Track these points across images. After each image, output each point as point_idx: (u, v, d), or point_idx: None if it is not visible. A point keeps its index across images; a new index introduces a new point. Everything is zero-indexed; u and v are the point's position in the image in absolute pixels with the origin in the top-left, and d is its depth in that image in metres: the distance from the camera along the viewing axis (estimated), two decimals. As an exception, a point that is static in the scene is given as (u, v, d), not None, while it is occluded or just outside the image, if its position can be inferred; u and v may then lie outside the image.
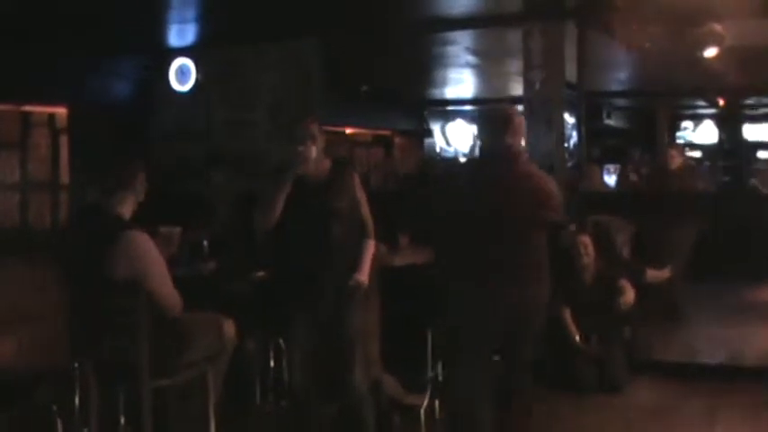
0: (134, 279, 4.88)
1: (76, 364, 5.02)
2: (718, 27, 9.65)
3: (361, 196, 5.56)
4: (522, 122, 5.16)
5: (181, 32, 10.07)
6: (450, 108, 19.98)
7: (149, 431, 4.94)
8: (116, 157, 5.42)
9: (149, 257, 5.01)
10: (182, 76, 10.64)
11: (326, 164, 5.49)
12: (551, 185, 5.16)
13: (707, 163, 22.18)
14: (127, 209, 5.14)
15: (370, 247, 5.56)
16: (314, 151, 5.30)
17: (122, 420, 5.05)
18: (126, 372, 4.91)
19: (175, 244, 6.09)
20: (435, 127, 20.01)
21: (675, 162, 9.08)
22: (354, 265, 5.43)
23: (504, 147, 5.00)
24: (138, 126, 10.46)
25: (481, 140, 5.32)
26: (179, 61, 10.67)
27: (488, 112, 5.56)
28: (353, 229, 5.48)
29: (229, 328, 5.46)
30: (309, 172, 5.34)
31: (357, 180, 5.60)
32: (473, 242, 4.99)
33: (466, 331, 5.14)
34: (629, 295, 7.63)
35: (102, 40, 9.51)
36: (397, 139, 17.70)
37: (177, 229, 6.14)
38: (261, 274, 6.17)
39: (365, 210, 5.57)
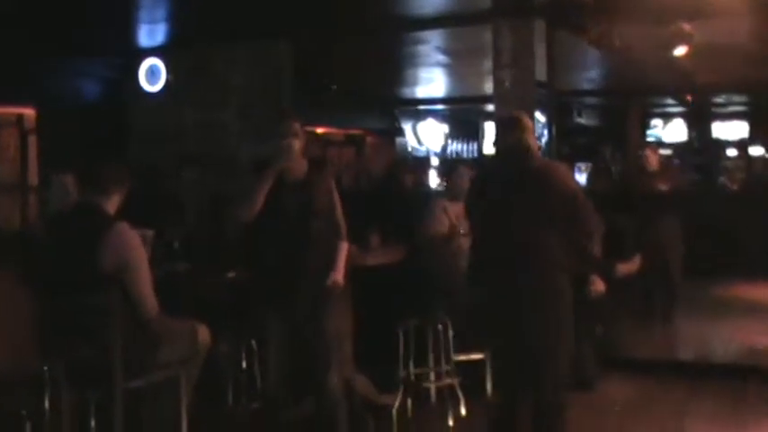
0: (117, 272, 4.89)
1: (46, 368, 4.96)
2: (687, 26, 9.70)
3: (336, 198, 5.59)
4: (529, 122, 5.38)
5: (150, 32, 10.01)
6: (421, 107, 19.98)
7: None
8: (102, 158, 5.40)
9: (136, 253, 5.03)
10: (152, 76, 10.58)
11: (304, 164, 5.49)
12: (565, 174, 5.31)
13: (677, 161, 22.32)
14: (112, 208, 5.15)
15: (344, 249, 5.60)
16: (297, 146, 5.34)
17: (93, 424, 4.99)
18: (98, 374, 4.87)
19: (149, 246, 6.00)
20: (407, 126, 20.00)
21: (652, 161, 9.09)
22: (330, 266, 5.46)
23: (515, 141, 5.25)
24: (108, 127, 10.36)
25: (497, 141, 5.72)
26: (149, 61, 10.61)
27: (501, 116, 6.40)
28: (329, 230, 5.51)
29: (204, 333, 5.43)
30: (292, 168, 5.37)
31: (333, 182, 5.64)
32: (496, 231, 5.16)
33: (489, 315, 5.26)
34: (599, 284, 7.67)
35: (70, 40, 9.43)
36: (368, 139, 17.68)
37: (150, 232, 6.09)
38: (232, 274, 6.14)
39: (339, 212, 5.60)
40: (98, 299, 4.87)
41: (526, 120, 5.37)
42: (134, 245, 5.03)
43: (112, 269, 4.90)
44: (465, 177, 7.27)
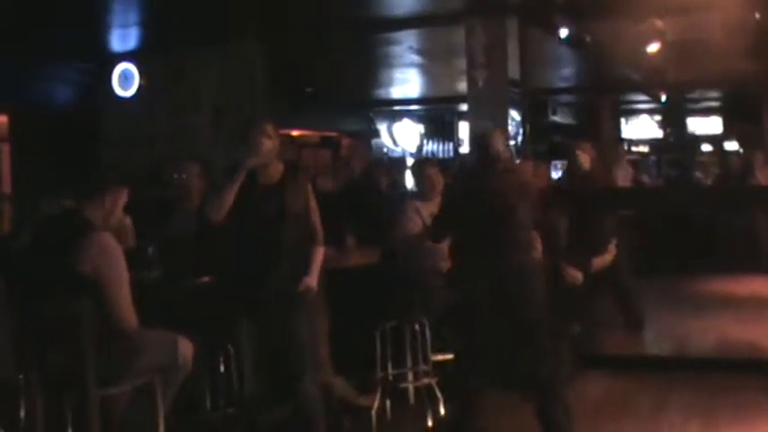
0: (94, 280, 4.85)
1: (21, 376, 4.93)
2: (659, 22, 9.73)
3: (312, 202, 5.57)
4: (500, 134, 6.24)
5: (123, 37, 9.99)
6: (396, 108, 20.00)
7: (97, 442, 4.86)
8: (75, 164, 5.39)
9: (114, 263, 4.97)
10: (125, 81, 10.55)
11: (279, 167, 5.48)
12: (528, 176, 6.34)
13: (653, 157, 22.41)
14: (96, 217, 5.10)
15: (320, 253, 5.59)
16: (268, 145, 5.31)
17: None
18: (73, 381, 4.82)
19: (130, 236, 6.13)
20: (382, 127, 20.00)
21: (586, 162, 8.84)
22: (304, 270, 5.44)
23: (486, 149, 5.98)
24: (82, 132, 10.31)
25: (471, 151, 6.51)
26: (122, 66, 10.56)
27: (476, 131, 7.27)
28: (303, 234, 5.49)
29: (185, 347, 5.35)
30: (262, 169, 5.37)
31: (309, 186, 5.61)
32: (474, 228, 5.85)
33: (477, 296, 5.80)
34: (574, 273, 7.72)
35: (43, 45, 9.37)
36: (344, 141, 17.68)
37: (128, 220, 6.15)
38: (206, 279, 6.11)
39: (315, 216, 5.58)
40: (73, 305, 4.82)
41: (497, 132, 6.25)
42: (113, 254, 4.97)
43: (89, 276, 4.86)
44: (433, 176, 7.31)
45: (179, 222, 6.78)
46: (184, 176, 6.99)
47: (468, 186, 6.27)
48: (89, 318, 4.80)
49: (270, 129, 5.37)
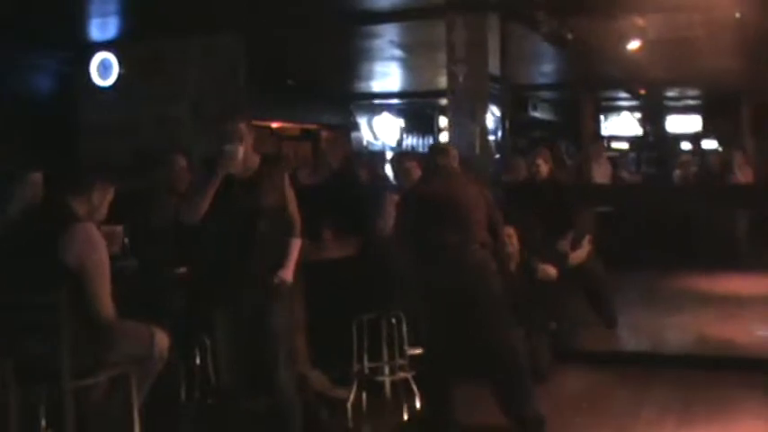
0: (77, 272, 4.83)
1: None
2: (640, 20, 9.74)
3: (290, 194, 5.55)
4: (455, 151, 6.75)
5: (102, 26, 9.92)
6: (376, 101, 19.98)
7: (71, 433, 4.83)
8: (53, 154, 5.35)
9: (97, 255, 4.95)
10: (104, 70, 10.47)
11: (256, 160, 5.47)
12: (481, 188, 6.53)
13: (632, 154, 22.48)
14: (83, 208, 5.08)
15: (297, 245, 5.56)
16: (241, 151, 5.29)
17: (43, 423, 4.93)
18: (47, 372, 4.79)
19: (118, 242, 6.07)
20: (362, 120, 19.99)
21: (543, 171, 8.72)
22: (279, 263, 5.42)
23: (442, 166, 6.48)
24: (61, 122, 10.24)
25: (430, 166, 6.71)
26: (101, 55, 10.50)
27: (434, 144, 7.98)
28: (280, 228, 5.47)
29: (161, 339, 5.34)
30: (237, 171, 5.33)
31: (287, 178, 5.59)
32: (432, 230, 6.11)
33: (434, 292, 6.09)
34: (549, 269, 7.74)
35: (21, 34, 9.32)
36: (324, 134, 17.65)
37: (119, 228, 6.12)
38: (183, 270, 6.09)
39: (293, 208, 5.56)
40: (52, 295, 4.78)
41: (453, 150, 6.75)
42: (96, 246, 4.95)
43: (72, 267, 4.84)
44: (411, 170, 7.28)
45: (159, 214, 6.73)
46: (169, 168, 6.95)
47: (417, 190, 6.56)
48: (67, 308, 4.77)
49: (243, 129, 5.35)
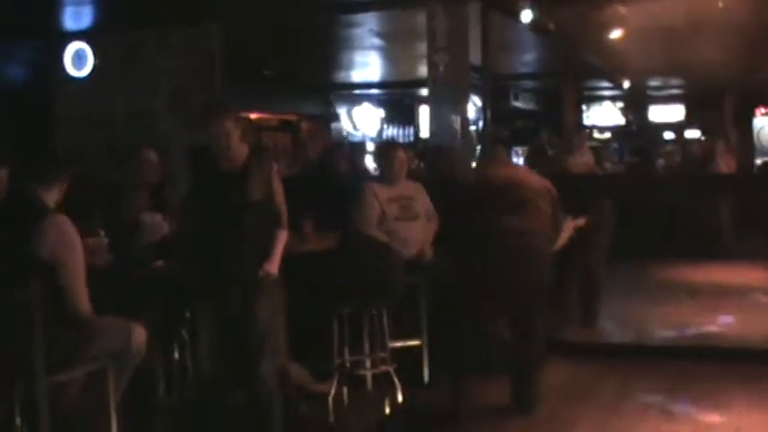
0: (51, 265, 4.76)
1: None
2: (623, 9, 9.70)
3: (278, 186, 5.55)
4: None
5: (76, 15, 9.82)
6: (356, 92, 19.92)
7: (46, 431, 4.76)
8: (26, 145, 5.25)
9: (72, 248, 4.88)
10: (78, 61, 10.34)
11: (243, 152, 5.45)
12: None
13: (615, 144, 22.50)
14: (52, 200, 5.01)
15: (283, 238, 5.56)
16: (231, 144, 5.32)
17: (18, 421, 4.83)
18: (23, 367, 4.70)
19: (103, 255, 5.97)
20: (342, 111, 19.92)
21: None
22: (265, 255, 5.42)
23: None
24: (34, 113, 10.11)
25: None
26: (75, 45, 10.35)
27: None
28: (266, 220, 5.47)
29: (139, 334, 5.27)
30: (225, 155, 5.36)
31: (275, 169, 5.57)
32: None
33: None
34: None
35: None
36: (303, 124, 17.58)
37: (104, 240, 6.04)
38: (160, 263, 6.01)
39: (280, 199, 5.56)
40: (25, 289, 4.69)
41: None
42: (71, 239, 4.88)
43: (46, 261, 4.77)
44: (401, 160, 7.29)
45: (130, 208, 6.67)
46: (139, 162, 6.88)
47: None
48: (41, 303, 4.69)
49: (230, 126, 5.34)
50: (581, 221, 8.41)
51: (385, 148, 8.10)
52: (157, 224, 6.30)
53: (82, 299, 4.92)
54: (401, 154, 7.39)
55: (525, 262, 6.23)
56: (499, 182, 6.50)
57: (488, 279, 6.21)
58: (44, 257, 4.76)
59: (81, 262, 4.93)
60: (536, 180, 6.55)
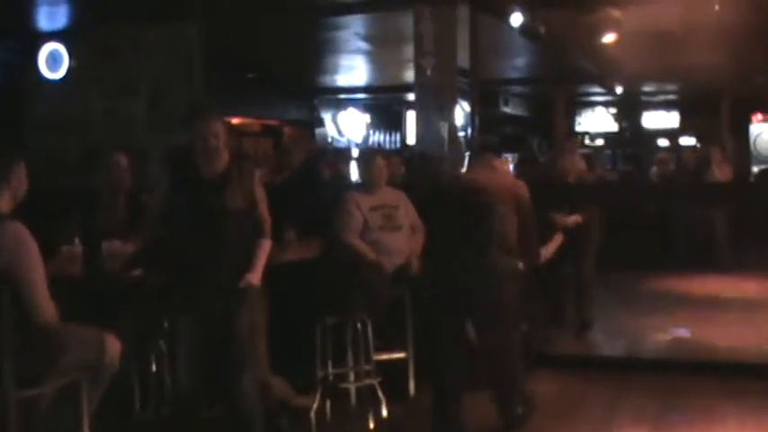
0: (8, 273, 4.60)
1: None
2: (615, 13, 9.63)
3: (260, 193, 5.50)
4: None
5: (51, 14, 9.73)
6: (342, 96, 19.87)
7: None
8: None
9: (29, 254, 4.71)
10: (53, 62, 10.18)
11: (225, 159, 5.36)
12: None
13: (608, 151, 22.44)
14: (3, 203, 4.79)
15: (266, 247, 5.52)
16: (220, 146, 5.26)
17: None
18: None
19: (77, 263, 5.87)
20: (327, 116, 19.82)
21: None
22: (247, 265, 5.35)
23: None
24: (7, 116, 9.95)
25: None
26: (50, 46, 10.19)
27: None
28: (248, 228, 5.40)
29: (113, 345, 5.15)
30: (206, 162, 5.29)
31: (257, 177, 5.53)
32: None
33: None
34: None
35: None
36: (286, 130, 17.48)
37: (79, 248, 5.97)
38: (137, 272, 5.86)
39: (263, 208, 5.52)
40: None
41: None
42: (27, 246, 4.71)
43: (3, 270, 4.59)
44: (381, 168, 7.23)
45: (107, 215, 6.64)
46: (109, 167, 6.81)
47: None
48: (6, 313, 4.57)
49: (220, 128, 5.30)
50: (575, 218, 8.35)
51: (364, 156, 8.07)
52: (116, 252, 6.12)
53: (44, 306, 4.75)
54: (380, 161, 7.33)
55: (481, 274, 6.03)
56: (460, 188, 6.51)
57: (451, 291, 6.13)
58: (1, 266, 4.60)
59: (40, 268, 4.76)
60: (503, 185, 6.34)
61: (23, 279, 4.65)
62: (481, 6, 8.84)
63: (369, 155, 7.98)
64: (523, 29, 9.75)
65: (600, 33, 10.04)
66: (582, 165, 9.95)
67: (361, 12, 9.99)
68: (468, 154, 9.72)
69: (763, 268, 11.40)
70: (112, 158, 6.80)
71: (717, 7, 8.96)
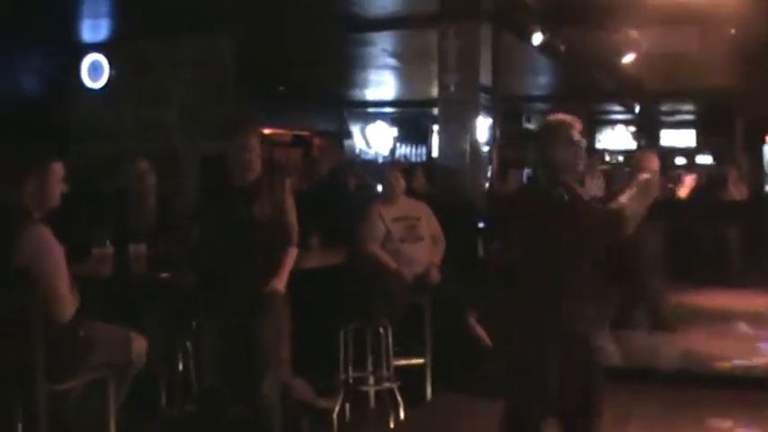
0: (32, 275, 4.67)
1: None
2: (635, 33, 9.71)
3: (290, 203, 5.54)
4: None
5: (93, 27, 9.87)
6: (370, 109, 19.94)
7: (46, 439, 4.75)
8: (22, 151, 5.13)
9: (52, 258, 4.77)
10: (94, 72, 10.40)
11: (257, 168, 5.43)
12: None
13: (627, 168, 22.39)
14: (34, 204, 4.84)
15: (292, 254, 5.54)
16: (252, 159, 5.33)
17: (20, 429, 4.84)
18: (22, 377, 4.67)
19: (108, 264, 5.98)
20: (355, 128, 19.93)
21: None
22: (273, 271, 5.40)
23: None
24: (49, 125, 10.14)
25: None
26: (91, 57, 10.42)
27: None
28: (276, 236, 5.45)
29: (139, 344, 5.21)
30: (239, 170, 5.36)
31: (288, 186, 5.58)
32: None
33: None
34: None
35: (11, 34, 9.24)
36: (316, 140, 17.60)
37: (110, 250, 6.06)
38: (165, 275, 6.04)
39: (292, 216, 5.55)
40: (20, 299, 4.66)
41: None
42: (50, 248, 4.77)
43: (25, 270, 4.68)
44: (394, 180, 7.29)
45: (136, 217, 6.72)
46: (131, 172, 6.90)
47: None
48: (37, 312, 4.67)
49: (255, 141, 5.37)
50: None
51: (382, 169, 8.13)
52: (142, 255, 6.25)
53: (61, 308, 4.82)
54: (397, 174, 7.41)
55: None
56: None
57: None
58: (23, 267, 4.67)
59: (60, 272, 4.80)
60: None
61: (44, 280, 4.70)
62: (504, 25, 8.96)
63: (386, 168, 8.07)
64: (544, 47, 9.86)
65: (618, 53, 10.14)
66: (601, 181, 10.02)
67: (389, 29, 10.14)
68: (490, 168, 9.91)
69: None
70: (135, 164, 6.88)
71: (732, 30, 9.07)
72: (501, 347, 4.91)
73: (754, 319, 10.20)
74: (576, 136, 4.60)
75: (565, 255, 4.35)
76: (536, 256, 4.42)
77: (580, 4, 8.86)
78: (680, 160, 22.75)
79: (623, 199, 4.42)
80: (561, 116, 4.65)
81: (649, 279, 8.92)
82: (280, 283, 5.42)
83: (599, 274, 4.59)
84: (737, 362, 8.43)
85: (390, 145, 21.18)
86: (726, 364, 8.38)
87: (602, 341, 5.26)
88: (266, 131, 15.84)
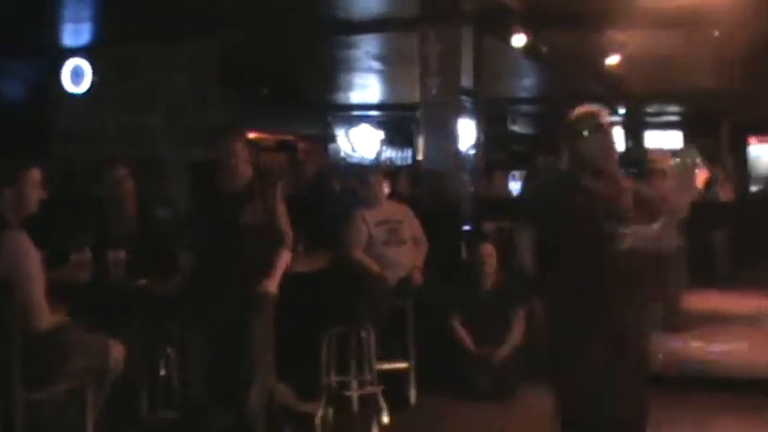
0: (10, 281, 4.66)
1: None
2: (620, 35, 9.73)
3: (281, 208, 5.57)
4: None
5: (75, 32, 9.84)
6: (355, 113, 19.94)
7: (24, 448, 4.72)
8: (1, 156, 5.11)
9: (28, 265, 4.76)
10: (76, 77, 10.37)
11: (247, 174, 5.47)
12: None
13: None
14: (11, 210, 4.83)
15: (284, 257, 5.59)
16: (237, 164, 5.37)
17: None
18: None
19: (87, 270, 5.87)
20: (340, 132, 19.92)
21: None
22: (265, 272, 5.43)
23: None
24: (31, 129, 10.13)
25: None
26: (73, 62, 10.39)
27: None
28: (266, 241, 5.48)
29: (116, 350, 5.18)
30: (229, 176, 5.41)
31: (279, 190, 5.60)
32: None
33: None
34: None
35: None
36: (301, 145, 17.56)
37: (88, 256, 5.92)
38: (143, 282, 6.00)
39: (283, 220, 5.59)
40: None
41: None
42: (27, 254, 4.76)
43: (5, 275, 4.67)
44: (376, 184, 7.31)
45: (113, 224, 6.59)
46: (109, 178, 6.82)
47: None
48: (15, 319, 4.66)
49: (239, 147, 5.40)
50: None
51: (363, 173, 8.13)
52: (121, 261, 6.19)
53: (38, 314, 4.79)
54: (379, 177, 7.45)
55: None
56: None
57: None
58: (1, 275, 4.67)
59: (38, 278, 4.80)
60: None
61: (20, 287, 4.70)
62: (485, 28, 8.98)
63: (367, 172, 8.07)
64: (526, 50, 9.86)
65: (602, 55, 10.16)
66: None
67: (372, 32, 10.17)
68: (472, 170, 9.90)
69: (762, 285, 11.33)
70: (113, 169, 6.69)
71: (716, 33, 9.09)
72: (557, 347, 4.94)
73: (749, 320, 10.21)
74: (605, 124, 4.93)
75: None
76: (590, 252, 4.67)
77: (562, 6, 8.87)
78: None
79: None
80: (588, 106, 4.99)
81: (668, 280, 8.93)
82: (272, 285, 5.47)
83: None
84: (725, 364, 8.44)
85: (376, 148, 21.18)
86: (723, 367, 8.39)
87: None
88: (251, 136, 15.83)
